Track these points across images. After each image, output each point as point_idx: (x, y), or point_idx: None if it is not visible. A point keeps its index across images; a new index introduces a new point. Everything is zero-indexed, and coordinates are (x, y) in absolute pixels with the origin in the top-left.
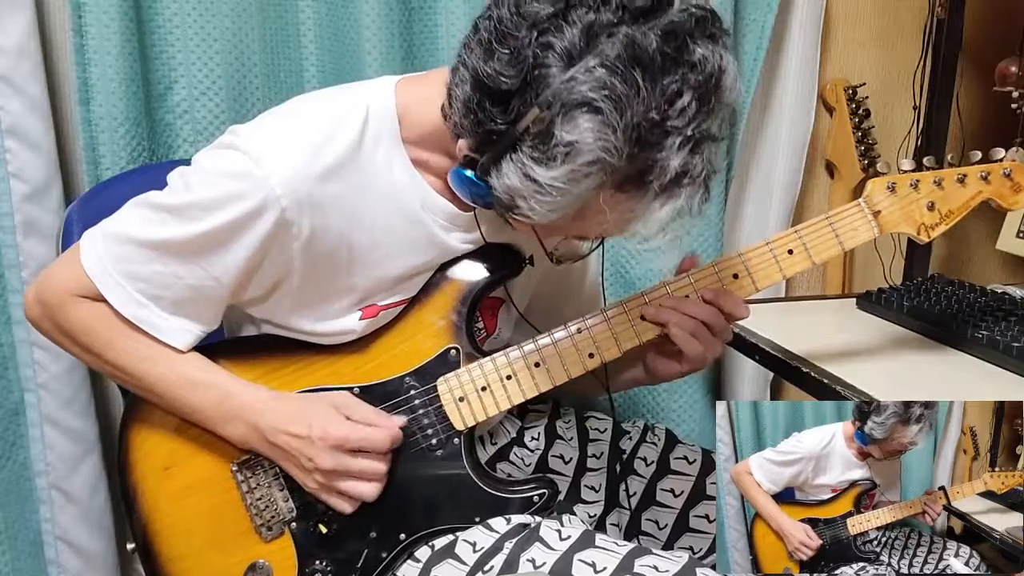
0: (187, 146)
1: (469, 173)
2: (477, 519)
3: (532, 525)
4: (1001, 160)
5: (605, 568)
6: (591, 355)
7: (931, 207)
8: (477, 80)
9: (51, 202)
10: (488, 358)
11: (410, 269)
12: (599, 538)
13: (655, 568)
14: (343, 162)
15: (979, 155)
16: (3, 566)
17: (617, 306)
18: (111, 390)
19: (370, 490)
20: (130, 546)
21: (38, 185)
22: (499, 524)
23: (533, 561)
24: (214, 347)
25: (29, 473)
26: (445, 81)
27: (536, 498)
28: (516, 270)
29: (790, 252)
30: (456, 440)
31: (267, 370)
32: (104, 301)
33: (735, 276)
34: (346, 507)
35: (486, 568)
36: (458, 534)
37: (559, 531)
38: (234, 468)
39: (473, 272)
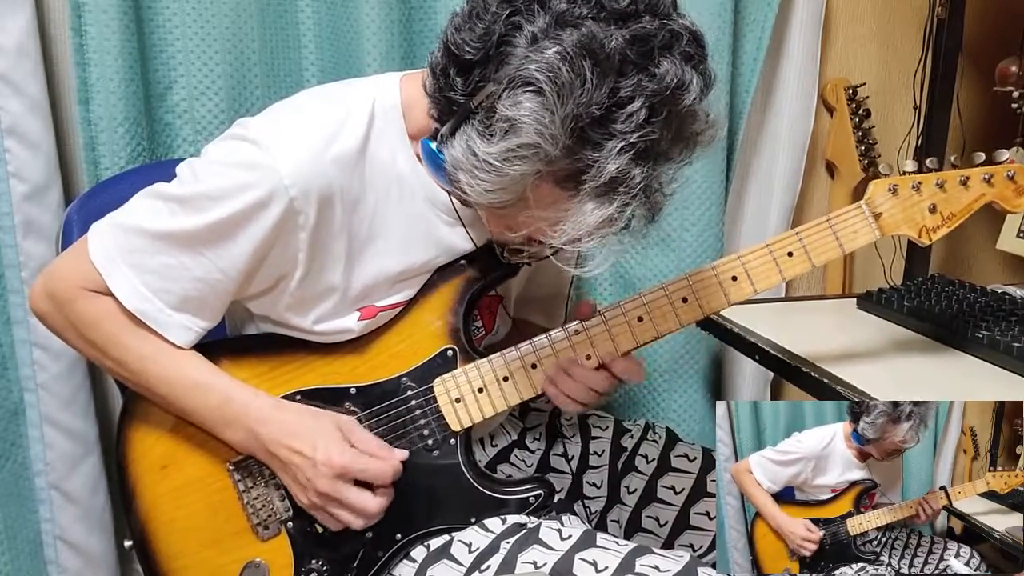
0: (187, 146)
1: (433, 144)
2: (473, 519)
3: (530, 525)
4: (1005, 162)
5: (607, 567)
6: (588, 357)
7: (933, 209)
8: (447, 47)
9: (51, 202)
10: (485, 359)
11: (409, 267)
12: (600, 537)
13: (656, 568)
14: (349, 155)
15: (982, 157)
16: (3, 566)
17: (615, 308)
18: (111, 390)
19: (357, 523)
20: (127, 543)
21: (38, 185)
22: (495, 524)
23: (534, 563)
24: (215, 344)
25: (29, 473)
26: None
27: (532, 499)
28: (512, 270)
29: (790, 254)
30: (452, 441)
31: (267, 368)
32: (110, 295)
33: (733, 278)
34: (334, 526)
35: (483, 568)
36: (454, 534)
37: (559, 531)
38: (230, 467)
39: (470, 273)
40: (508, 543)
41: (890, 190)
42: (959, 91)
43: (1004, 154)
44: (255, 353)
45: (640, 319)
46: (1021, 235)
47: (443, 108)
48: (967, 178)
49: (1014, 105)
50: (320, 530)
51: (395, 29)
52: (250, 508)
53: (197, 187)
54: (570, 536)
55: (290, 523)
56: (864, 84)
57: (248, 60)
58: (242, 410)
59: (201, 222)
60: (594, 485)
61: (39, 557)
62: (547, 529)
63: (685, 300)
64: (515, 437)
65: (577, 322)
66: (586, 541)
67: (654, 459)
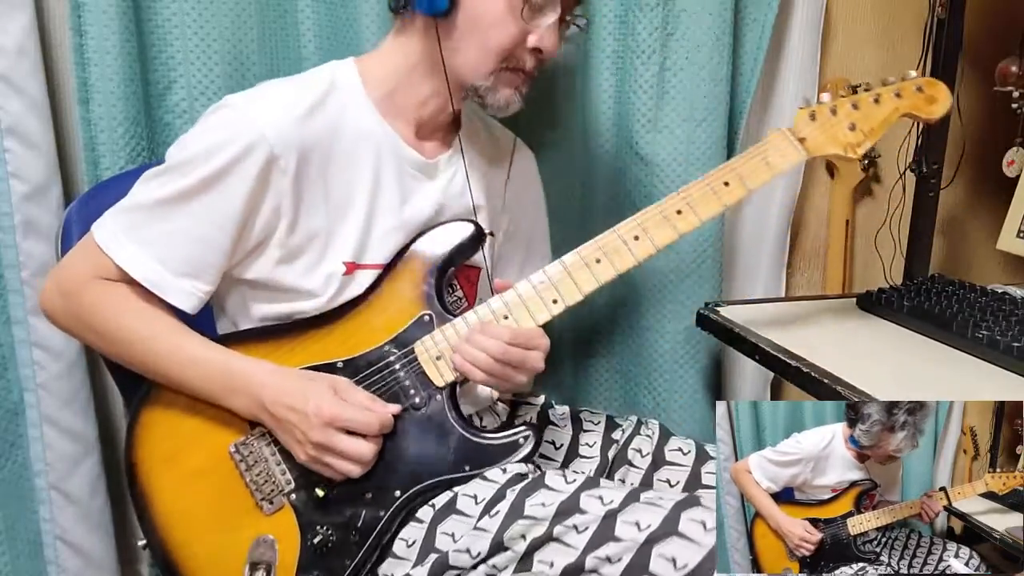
0: None
1: None
2: (467, 467)
3: (533, 475)
4: (913, 79)
5: (612, 500)
6: (555, 301)
7: (853, 128)
8: None
9: (50, 202)
10: (459, 317)
11: (384, 223)
12: (603, 481)
13: (660, 496)
14: (317, 110)
15: (913, 75)
16: (3, 566)
17: (573, 254)
18: (111, 390)
19: (354, 469)
20: (141, 542)
21: (37, 185)
22: (496, 475)
23: (543, 504)
24: (214, 340)
25: (29, 473)
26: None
27: (521, 440)
28: (476, 242)
29: (726, 184)
30: (438, 396)
31: (262, 353)
32: (119, 281)
33: (678, 212)
34: (334, 477)
35: (492, 513)
36: (456, 489)
37: (564, 476)
38: (231, 450)
39: (437, 246)
40: (514, 490)
41: (810, 116)
42: (959, 91)
43: (912, 73)
44: (251, 341)
45: (598, 260)
46: (1021, 235)
47: None
48: (878, 96)
49: (1014, 105)
50: (321, 494)
51: None
52: (253, 485)
53: (184, 154)
54: (575, 480)
55: (292, 495)
56: (864, 84)
57: (248, 60)
58: (244, 376)
59: (191, 180)
60: (583, 474)
61: (39, 557)
62: (553, 475)
63: (636, 238)
64: (503, 419)
65: (540, 271)
66: (591, 483)
67: (648, 453)
